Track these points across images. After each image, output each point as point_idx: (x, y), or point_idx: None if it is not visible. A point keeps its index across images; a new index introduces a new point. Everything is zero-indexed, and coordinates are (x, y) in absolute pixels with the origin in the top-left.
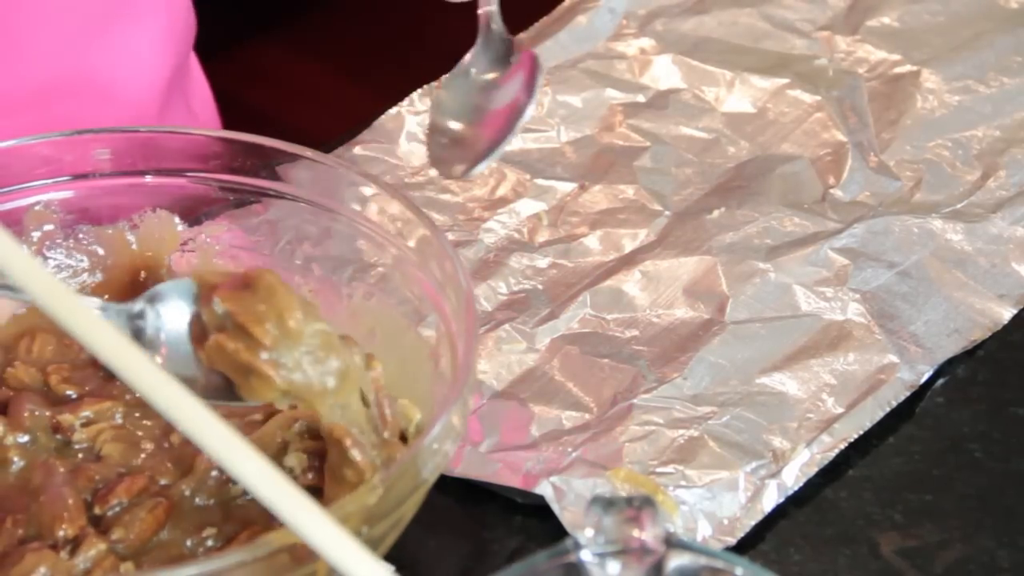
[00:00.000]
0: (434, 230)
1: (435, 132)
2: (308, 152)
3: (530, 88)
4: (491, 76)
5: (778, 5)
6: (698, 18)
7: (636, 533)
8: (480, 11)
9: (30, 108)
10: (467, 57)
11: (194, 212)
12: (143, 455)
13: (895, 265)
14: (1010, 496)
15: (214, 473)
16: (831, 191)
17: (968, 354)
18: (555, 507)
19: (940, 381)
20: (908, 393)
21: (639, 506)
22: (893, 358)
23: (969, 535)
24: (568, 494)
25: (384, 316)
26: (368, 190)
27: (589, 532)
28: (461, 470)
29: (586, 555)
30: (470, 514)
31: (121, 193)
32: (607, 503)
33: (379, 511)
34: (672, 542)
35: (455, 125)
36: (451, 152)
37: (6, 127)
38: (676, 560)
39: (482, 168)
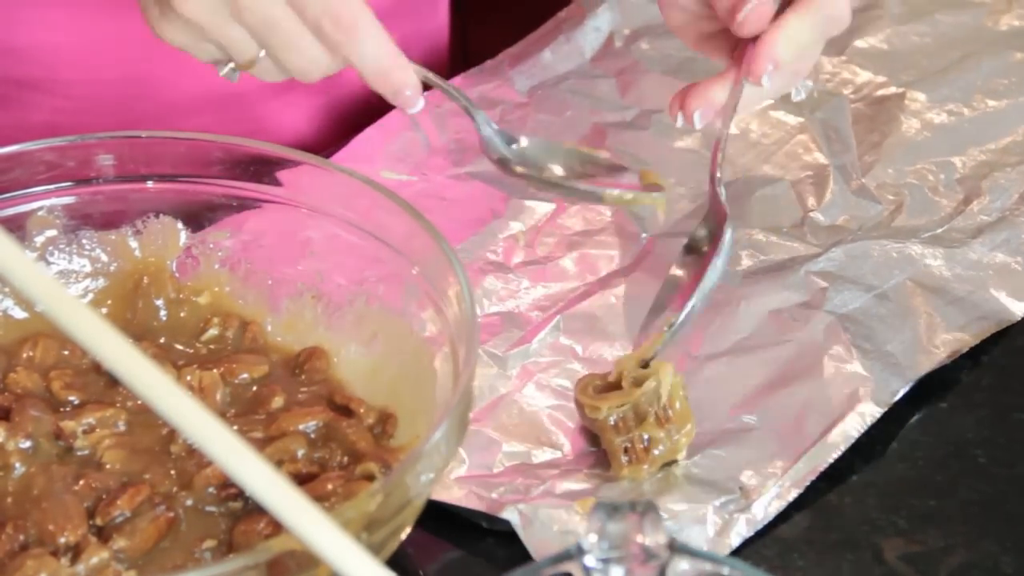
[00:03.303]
0: (439, 240)
1: None
2: (312, 159)
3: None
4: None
5: None
6: None
7: (639, 539)
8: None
9: None
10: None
11: (198, 218)
12: (144, 464)
13: (873, 288)
14: (1014, 501)
15: (211, 490)
16: (811, 214)
17: (972, 359)
18: (521, 533)
19: (944, 387)
20: (881, 411)
21: (642, 512)
22: (867, 377)
23: (973, 540)
24: (535, 522)
25: (386, 321)
26: (374, 197)
27: (592, 538)
28: None
29: (589, 560)
30: (473, 519)
31: (124, 198)
32: (610, 509)
33: (379, 517)
34: (675, 547)
35: None
36: None
37: None
38: (680, 566)
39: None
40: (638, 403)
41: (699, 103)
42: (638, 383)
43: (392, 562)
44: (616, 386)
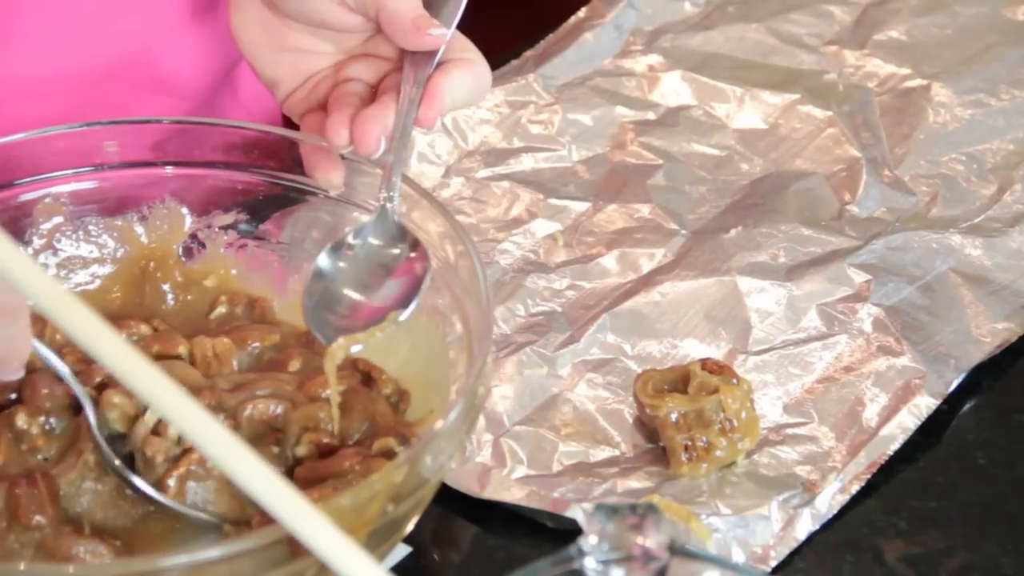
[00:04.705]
0: (447, 216)
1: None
2: (319, 142)
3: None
4: (381, 258)
5: (784, 20)
6: (705, 34)
7: (639, 540)
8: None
9: (81, 90)
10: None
11: (203, 203)
12: None
13: (916, 279)
14: (1014, 503)
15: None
16: (847, 207)
17: None
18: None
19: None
20: (937, 403)
21: (642, 513)
22: (921, 369)
23: (973, 542)
24: None
25: None
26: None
27: (593, 539)
28: (488, 493)
29: (589, 562)
30: (474, 521)
31: (129, 185)
32: (610, 510)
33: (404, 489)
34: (676, 549)
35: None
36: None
37: (54, 106)
38: (680, 568)
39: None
40: (703, 409)
41: (377, 128)
42: (706, 389)
43: (395, 564)
44: (679, 383)
